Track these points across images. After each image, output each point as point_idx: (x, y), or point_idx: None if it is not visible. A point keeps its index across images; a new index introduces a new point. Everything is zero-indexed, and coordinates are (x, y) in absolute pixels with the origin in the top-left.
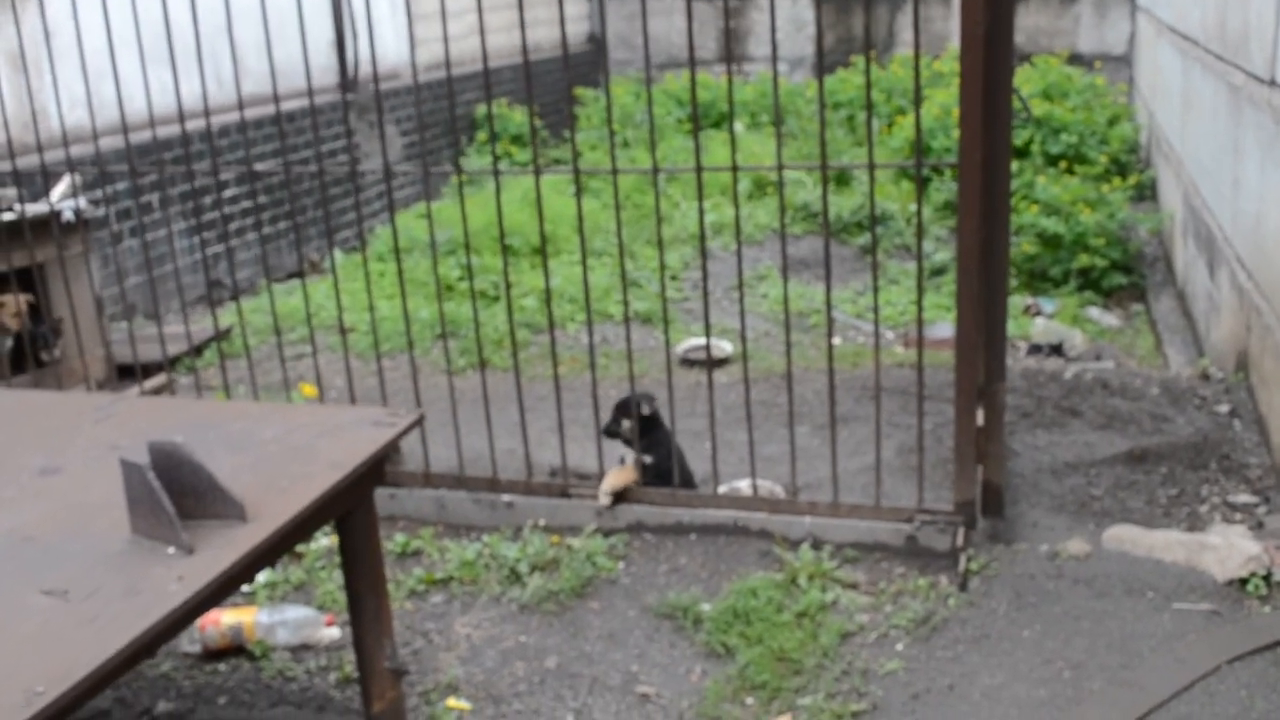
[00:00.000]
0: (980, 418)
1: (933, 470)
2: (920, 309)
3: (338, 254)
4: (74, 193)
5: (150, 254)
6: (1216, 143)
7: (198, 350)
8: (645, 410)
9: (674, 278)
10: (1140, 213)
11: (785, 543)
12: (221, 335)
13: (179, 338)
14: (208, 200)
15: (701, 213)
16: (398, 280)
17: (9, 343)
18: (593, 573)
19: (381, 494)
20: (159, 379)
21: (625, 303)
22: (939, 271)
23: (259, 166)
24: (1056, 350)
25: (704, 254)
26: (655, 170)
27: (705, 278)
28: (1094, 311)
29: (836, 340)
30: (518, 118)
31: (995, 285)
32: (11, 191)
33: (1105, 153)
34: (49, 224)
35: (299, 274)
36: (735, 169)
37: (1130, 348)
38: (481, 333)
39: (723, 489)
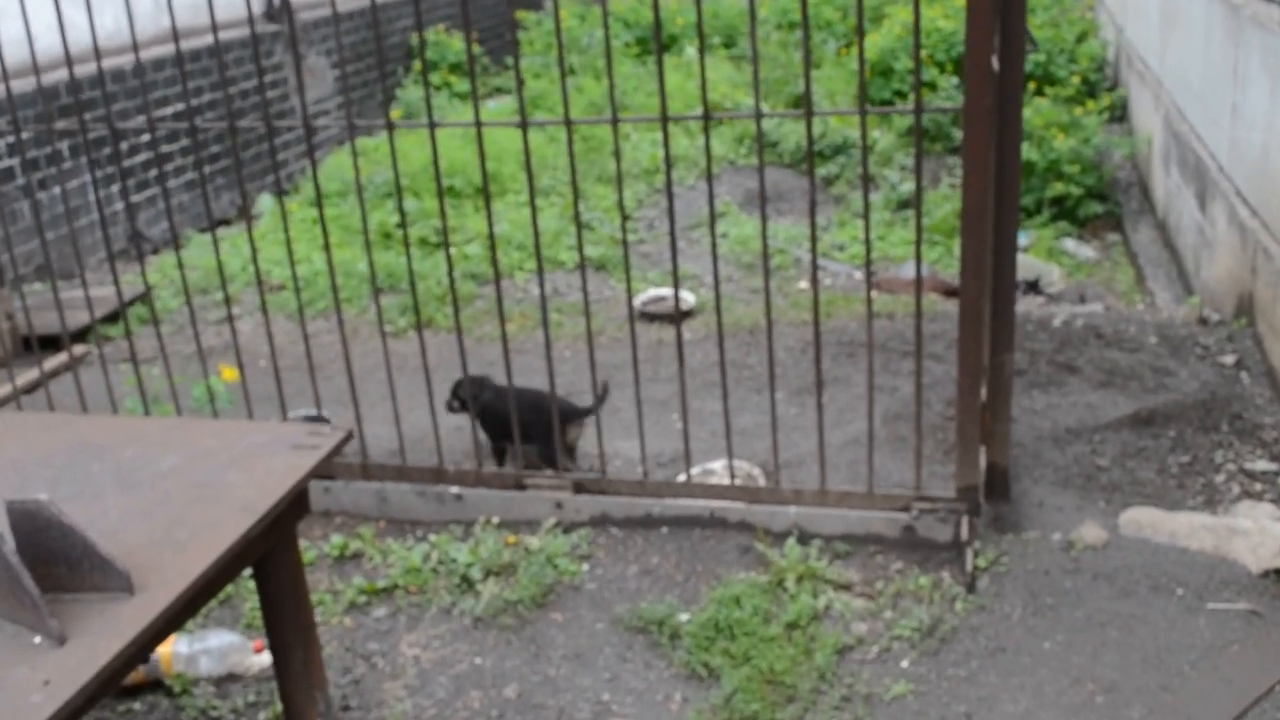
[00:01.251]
0: (983, 392)
1: (924, 440)
2: (919, 260)
3: (269, 200)
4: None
5: (58, 210)
6: (1208, 65)
7: (112, 317)
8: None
9: (628, 218)
10: (1113, 136)
11: (768, 536)
12: (134, 300)
13: (94, 302)
14: (123, 146)
15: (669, 170)
16: (332, 230)
17: None
18: (554, 578)
19: (315, 487)
20: (61, 358)
21: (580, 250)
22: (906, 203)
23: (160, 112)
24: (1033, 287)
25: (670, 199)
26: (615, 120)
27: (673, 226)
28: (1070, 243)
29: (803, 285)
30: (456, 45)
31: (1003, 243)
32: None
33: (1075, 72)
34: None
35: (226, 222)
36: (707, 118)
37: (1110, 282)
38: (423, 286)
39: (694, 471)
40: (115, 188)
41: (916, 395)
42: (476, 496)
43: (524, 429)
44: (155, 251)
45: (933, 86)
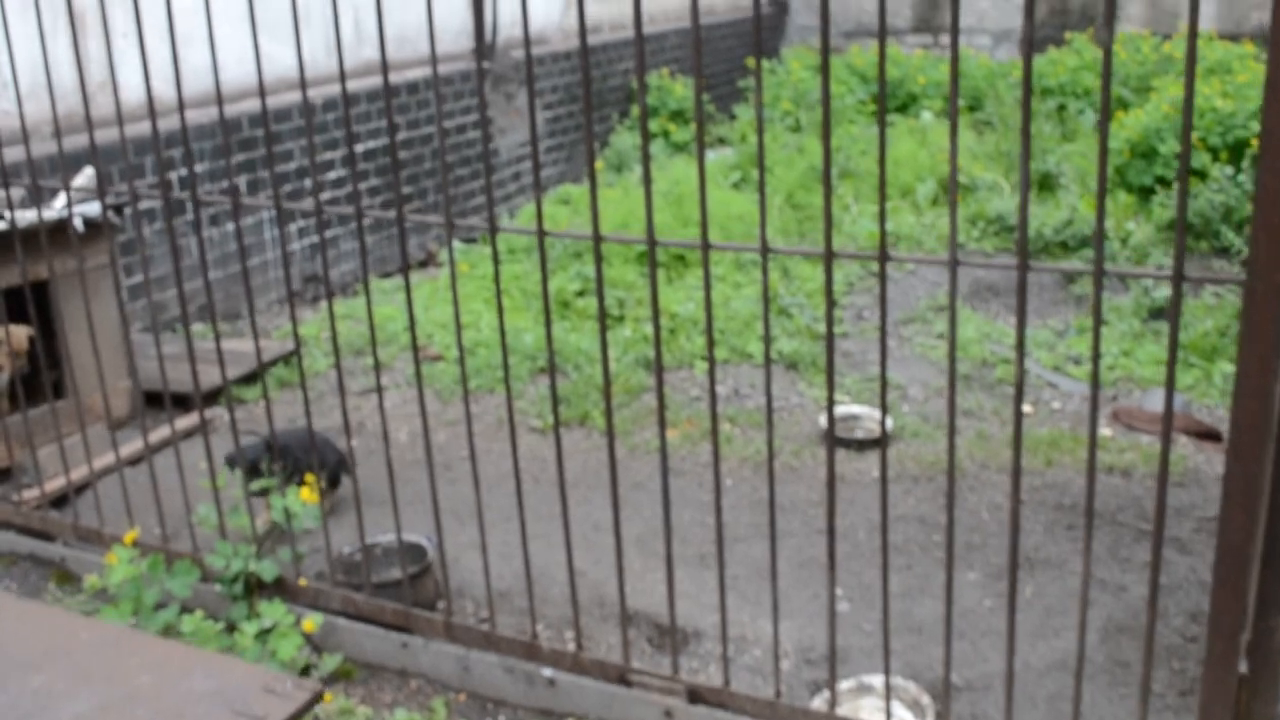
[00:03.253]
0: (1244, 664)
1: (1156, 666)
2: (1164, 473)
3: (460, 246)
4: (89, 194)
5: (230, 248)
6: None
7: (251, 377)
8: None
9: (834, 304)
10: None
11: None
12: (280, 360)
13: (241, 357)
14: (306, 184)
15: (767, 311)
16: (508, 290)
17: (4, 378)
18: None
19: (391, 642)
20: (183, 422)
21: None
22: (1160, 311)
23: (362, 146)
24: None
25: (767, 351)
26: (705, 246)
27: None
28: None
29: (1027, 409)
30: (679, 90)
31: None
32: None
33: None
34: (61, 232)
35: (421, 265)
36: (829, 256)
37: None
38: (589, 372)
39: (845, 685)
40: (293, 226)
41: (1148, 631)
42: (572, 684)
43: (306, 464)
44: (332, 295)
45: (1202, 176)
